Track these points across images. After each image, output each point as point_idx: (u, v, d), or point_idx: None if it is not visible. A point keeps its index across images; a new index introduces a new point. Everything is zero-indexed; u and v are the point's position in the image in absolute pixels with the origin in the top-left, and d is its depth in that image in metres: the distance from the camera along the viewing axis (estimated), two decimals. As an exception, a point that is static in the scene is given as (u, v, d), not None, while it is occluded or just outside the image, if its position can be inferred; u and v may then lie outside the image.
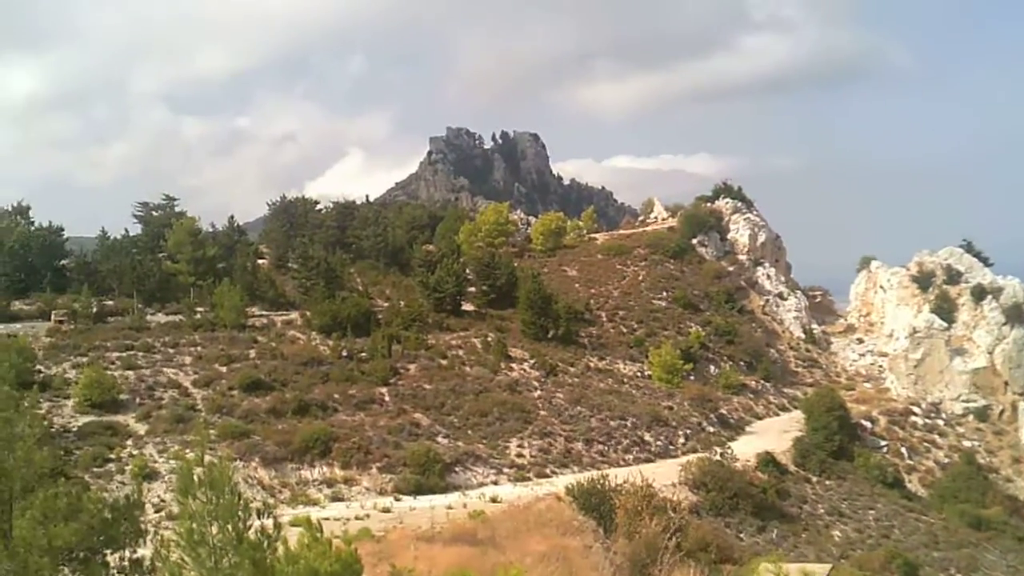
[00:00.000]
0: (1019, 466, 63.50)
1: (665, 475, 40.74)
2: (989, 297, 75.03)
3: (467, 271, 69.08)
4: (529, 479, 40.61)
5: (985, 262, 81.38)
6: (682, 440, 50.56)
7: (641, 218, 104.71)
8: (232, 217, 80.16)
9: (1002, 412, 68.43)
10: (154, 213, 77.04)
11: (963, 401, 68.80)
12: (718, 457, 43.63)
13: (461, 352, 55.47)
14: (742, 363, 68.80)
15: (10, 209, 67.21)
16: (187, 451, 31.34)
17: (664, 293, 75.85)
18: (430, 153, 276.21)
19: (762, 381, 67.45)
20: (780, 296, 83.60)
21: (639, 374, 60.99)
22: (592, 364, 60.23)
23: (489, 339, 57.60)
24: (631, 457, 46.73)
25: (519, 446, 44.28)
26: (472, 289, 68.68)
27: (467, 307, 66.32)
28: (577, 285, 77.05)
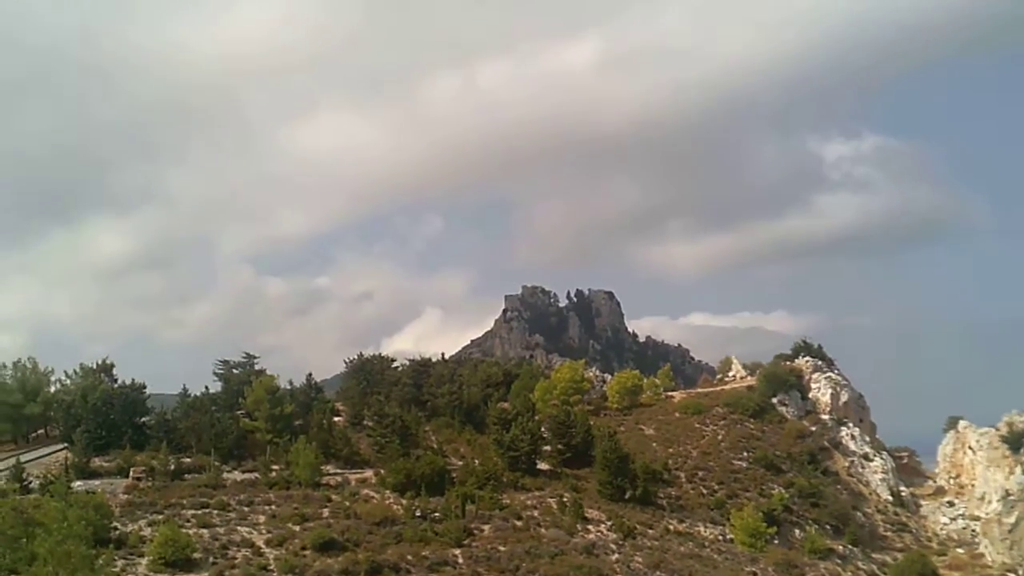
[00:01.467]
0: None
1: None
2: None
3: (542, 429, 68.45)
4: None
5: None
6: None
7: (719, 376, 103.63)
8: (310, 375, 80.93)
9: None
10: (234, 371, 78.15)
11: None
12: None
13: (536, 512, 54.41)
14: (828, 527, 66.42)
15: (95, 367, 68.71)
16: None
17: (744, 453, 74.24)
18: (505, 311, 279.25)
19: (849, 546, 64.92)
20: (865, 457, 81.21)
21: (720, 538, 59.15)
22: (671, 527, 58.56)
23: (565, 499, 56.50)
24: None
25: (598, 613, 42.76)
26: (547, 448, 67.91)
27: (542, 466, 65.47)
28: (654, 444, 75.83)
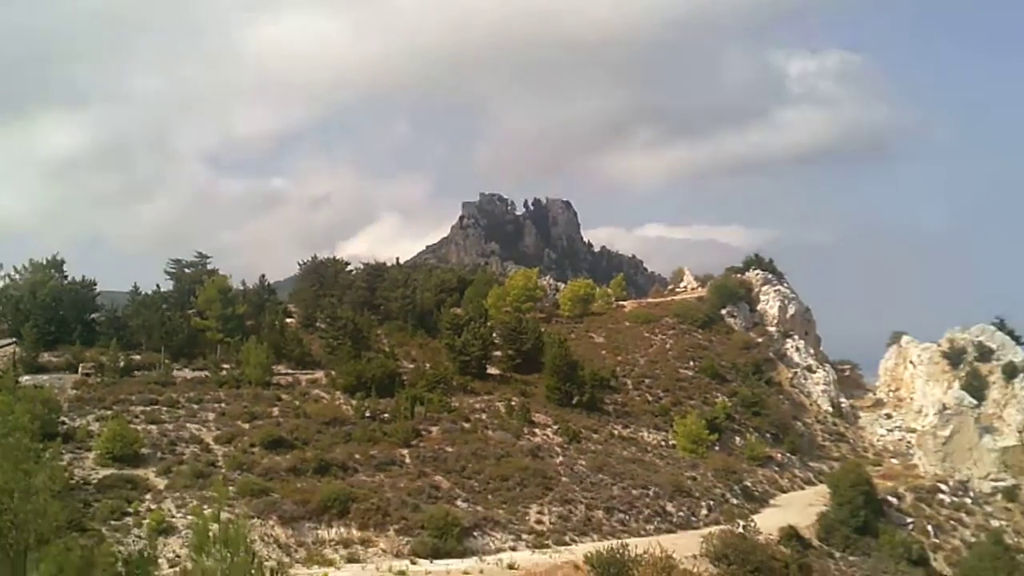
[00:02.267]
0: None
1: (686, 546, 40.31)
2: (1021, 375, 74.30)
3: (494, 335, 69.18)
4: (548, 546, 40.21)
5: (1017, 340, 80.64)
6: (705, 511, 49.97)
7: (671, 287, 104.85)
8: (263, 276, 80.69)
9: (1034, 492, 67.28)
10: (186, 270, 77.90)
11: (992, 480, 67.68)
12: (740, 530, 43.10)
13: (484, 416, 55.40)
14: (768, 435, 68.15)
15: (44, 263, 68.21)
16: (205, 507, 31.28)
17: (691, 363, 75.56)
18: (462, 218, 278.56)
19: (788, 454, 66.76)
20: (808, 369, 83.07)
21: (663, 443, 60.56)
22: (616, 432, 59.87)
23: (513, 403, 57.49)
24: (652, 527, 46.20)
25: (539, 512, 43.92)
26: (498, 353, 68.71)
27: (492, 371, 66.36)
28: (604, 352, 76.94)
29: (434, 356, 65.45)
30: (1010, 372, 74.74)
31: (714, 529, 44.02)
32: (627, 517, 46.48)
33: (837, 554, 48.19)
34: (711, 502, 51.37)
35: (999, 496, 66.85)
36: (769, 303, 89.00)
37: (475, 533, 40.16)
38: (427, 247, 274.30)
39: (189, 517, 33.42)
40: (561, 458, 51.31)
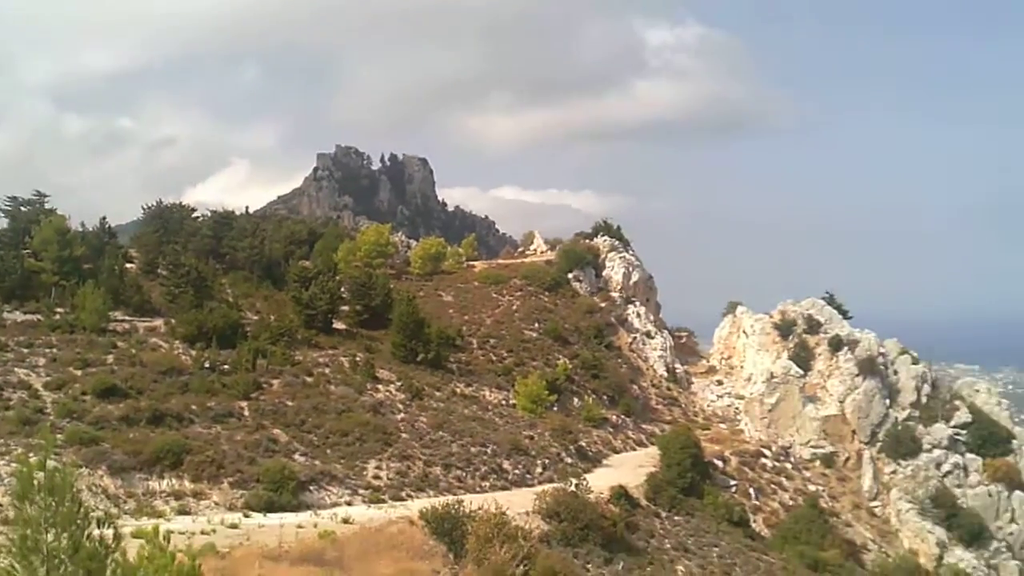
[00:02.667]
0: (859, 512, 66.32)
1: (520, 503, 41.27)
2: (845, 348, 78.30)
3: (342, 290, 68.91)
4: (384, 501, 40.60)
5: (845, 314, 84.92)
6: (540, 469, 51.24)
7: (521, 249, 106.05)
8: (104, 218, 77.92)
9: (847, 459, 71.42)
10: (22, 208, 74.68)
11: (812, 447, 71.56)
12: (573, 488, 44.37)
13: (327, 370, 55.22)
14: (605, 397, 70.15)
15: None
16: (30, 455, 30.51)
17: (536, 324, 76.88)
18: (316, 169, 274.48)
19: (623, 416, 68.84)
20: (647, 335, 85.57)
21: (504, 402, 61.64)
22: (459, 390, 60.60)
23: (358, 359, 57.54)
24: (488, 484, 47.12)
25: (377, 468, 44.25)
26: (346, 308, 68.51)
27: (339, 326, 66.14)
28: (451, 311, 77.57)
29: (280, 309, 64.74)
30: (835, 345, 78.71)
31: (547, 487, 45.18)
32: (464, 474, 47.27)
33: (663, 513, 50.12)
34: (546, 461, 52.71)
35: (818, 462, 70.75)
36: (614, 269, 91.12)
37: (311, 487, 40.20)
38: (279, 197, 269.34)
39: (13, 465, 32.48)
40: (403, 415, 51.73)
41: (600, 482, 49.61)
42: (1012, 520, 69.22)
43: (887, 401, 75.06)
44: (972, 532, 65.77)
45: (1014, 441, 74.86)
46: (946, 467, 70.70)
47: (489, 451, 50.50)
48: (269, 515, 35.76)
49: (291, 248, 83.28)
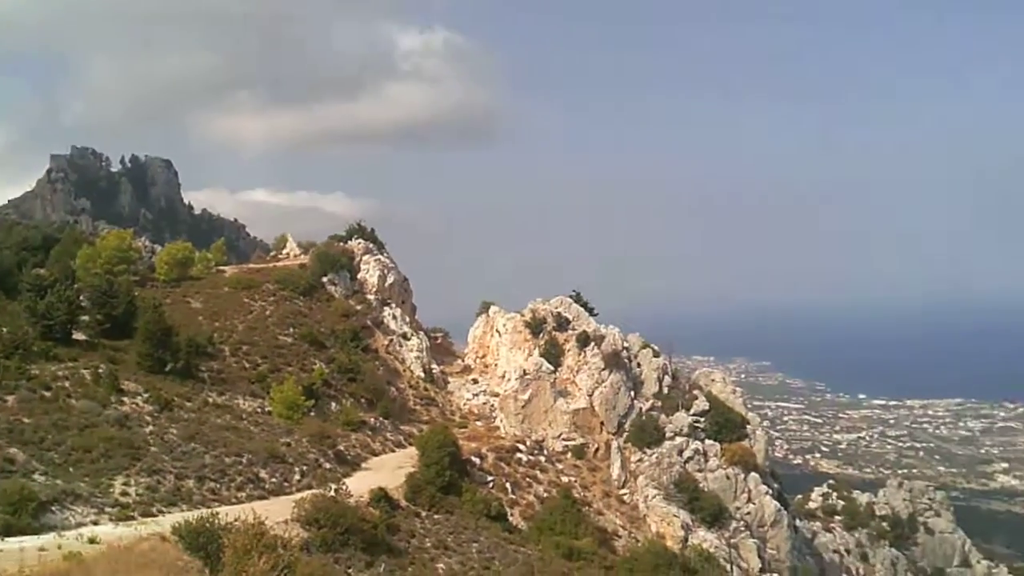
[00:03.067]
0: (609, 500, 69.35)
1: (278, 512, 40.68)
2: (592, 344, 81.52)
3: (82, 298, 65.49)
4: (133, 518, 39.00)
5: (591, 312, 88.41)
6: (298, 477, 50.62)
7: (273, 253, 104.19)
8: None
9: (597, 450, 74.53)
10: None
11: (564, 439, 74.19)
12: (332, 493, 44.19)
13: (68, 384, 52.32)
14: (363, 401, 70.10)
15: None
16: None
17: (291, 329, 75.79)
18: (50, 171, 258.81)
19: (381, 418, 69.02)
20: (404, 336, 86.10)
21: (259, 410, 60.41)
22: (211, 399, 58.84)
23: (100, 371, 54.87)
24: (245, 494, 46.09)
25: (124, 484, 42.34)
26: (86, 318, 65.13)
27: (79, 336, 62.76)
28: (201, 318, 75.18)
29: (12, 320, 60.76)
30: (583, 341, 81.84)
31: (306, 494, 44.76)
32: (219, 485, 46.03)
33: (423, 513, 50.69)
34: (305, 467, 52.11)
35: (569, 454, 73.42)
36: (369, 272, 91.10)
37: (54, 508, 37.99)
38: (8, 201, 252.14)
39: None
40: (151, 427, 49.71)
41: (360, 486, 49.63)
42: (749, 500, 74.35)
43: (632, 393, 78.82)
44: (713, 513, 70.12)
45: (748, 426, 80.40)
46: (687, 453, 75.03)
47: (245, 460, 49.38)
48: (7, 539, 33.65)
49: (24, 255, 78.29)
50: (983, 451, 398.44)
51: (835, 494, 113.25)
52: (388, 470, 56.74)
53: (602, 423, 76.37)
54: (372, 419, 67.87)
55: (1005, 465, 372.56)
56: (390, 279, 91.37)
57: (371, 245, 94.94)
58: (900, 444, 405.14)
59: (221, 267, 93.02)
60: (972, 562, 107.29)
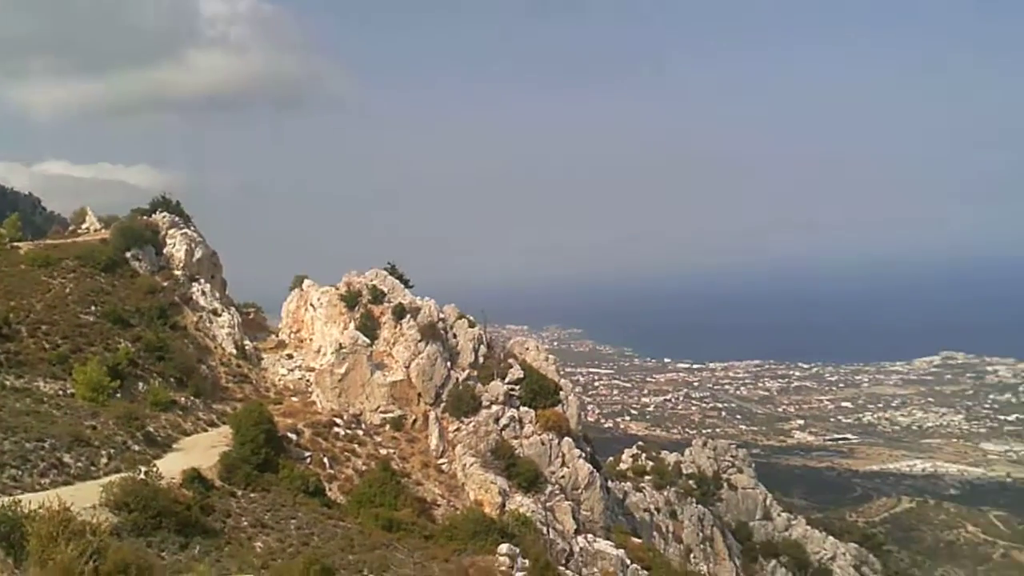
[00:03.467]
0: (428, 470, 69.82)
1: (85, 497, 39.16)
2: (408, 316, 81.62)
3: None
4: (-75, 512, 36.81)
5: (406, 284, 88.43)
6: (105, 460, 48.75)
7: (72, 228, 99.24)
8: None
9: (415, 421, 74.84)
10: None
11: (382, 412, 74.14)
12: (142, 476, 42.84)
13: None
14: (172, 380, 67.99)
15: None
16: None
17: (93, 308, 72.57)
18: None
19: (192, 397, 67.21)
20: (214, 312, 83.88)
21: (61, 393, 57.83)
22: (8, 383, 55.92)
23: None
24: (48, 480, 44.12)
25: (-87, 476, 40.04)
26: None
27: None
28: (-7, 298, 71.13)
29: None
30: (399, 313, 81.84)
31: (115, 478, 43.26)
32: (20, 472, 43.88)
33: (239, 492, 49.78)
34: (112, 450, 50.22)
35: (388, 427, 73.43)
36: (176, 246, 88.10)
37: None
38: None
39: None
40: (-58, 415, 47.01)
41: (172, 467, 48.27)
42: (563, 464, 76.29)
43: (448, 363, 79.41)
44: (529, 479, 71.59)
45: (561, 392, 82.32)
46: (504, 421, 76.29)
47: (47, 446, 47.18)
48: None
49: None
50: (781, 409, 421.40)
51: (644, 455, 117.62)
52: (201, 450, 55.38)
53: (419, 394, 76.69)
54: (183, 398, 66.00)
55: (801, 422, 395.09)
56: (198, 253, 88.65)
57: (177, 218, 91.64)
58: (704, 405, 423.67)
59: (16, 243, 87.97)
60: (773, 515, 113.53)
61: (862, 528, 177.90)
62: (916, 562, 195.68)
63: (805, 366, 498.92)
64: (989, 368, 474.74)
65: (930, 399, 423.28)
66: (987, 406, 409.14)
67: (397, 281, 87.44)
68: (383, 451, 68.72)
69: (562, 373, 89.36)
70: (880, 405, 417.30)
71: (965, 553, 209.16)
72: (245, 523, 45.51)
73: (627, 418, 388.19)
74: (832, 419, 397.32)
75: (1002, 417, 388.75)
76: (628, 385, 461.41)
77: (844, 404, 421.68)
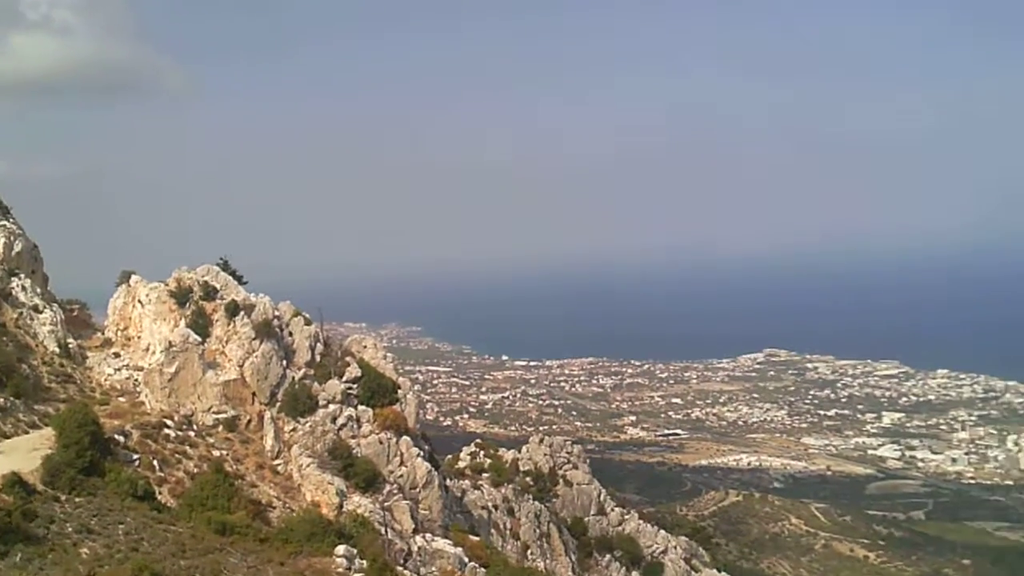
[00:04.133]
0: (263, 472, 68.37)
1: None
2: (242, 313, 79.76)
3: None
4: None
5: (240, 280, 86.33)
6: (-86, 466, 46.07)
7: None
8: None
9: (249, 422, 73.22)
10: None
11: (214, 412, 72.22)
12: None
13: None
14: (-9, 380, 64.57)
15: None
16: None
17: (-101, 304, 68.33)
18: None
19: (12, 398, 63.82)
20: (35, 309, 79.90)
21: None
22: None
23: None
24: None
25: None
26: None
27: None
28: None
29: None
30: (232, 310, 79.86)
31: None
32: None
33: (63, 497, 47.61)
34: (-78, 456, 47.51)
35: (221, 427, 71.57)
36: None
37: None
38: None
39: None
40: None
41: (-11, 472, 45.94)
42: (401, 463, 75.98)
43: (284, 362, 77.99)
44: (367, 478, 70.97)
45: (399, 391, 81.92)
46: (341, 420, 75.40)
47: None
48: None
49: None
50: (614, 406, 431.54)
51: (482, 452, 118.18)
52: (22, 453, 52.78)
53: (254, 394, 75.06)
54: (1, 399, 62.66)
55: (633, 418, 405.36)
56: (17, 247, 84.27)
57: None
58: (541, 402, 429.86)
59: None
60: (607, 510, 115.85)
61: (692, 522, 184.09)
62: (744, 554, 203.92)
63: (637, 363, 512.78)
64: (810, 365, 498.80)
65: (755, 395, 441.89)
66: (808, 402, 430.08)
67: (230, 277, 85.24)
68: (216, 453, 66.92)
69: (401, 371, 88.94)
70: (708, 401, 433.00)
71: (789, 544, 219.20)
72: (70, 529, 43.61)
73: (466, 416, 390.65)
74: (663, 415, 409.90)
75: (822, 412, 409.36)
76: (467, 383, 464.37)
77: (674, 400, 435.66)
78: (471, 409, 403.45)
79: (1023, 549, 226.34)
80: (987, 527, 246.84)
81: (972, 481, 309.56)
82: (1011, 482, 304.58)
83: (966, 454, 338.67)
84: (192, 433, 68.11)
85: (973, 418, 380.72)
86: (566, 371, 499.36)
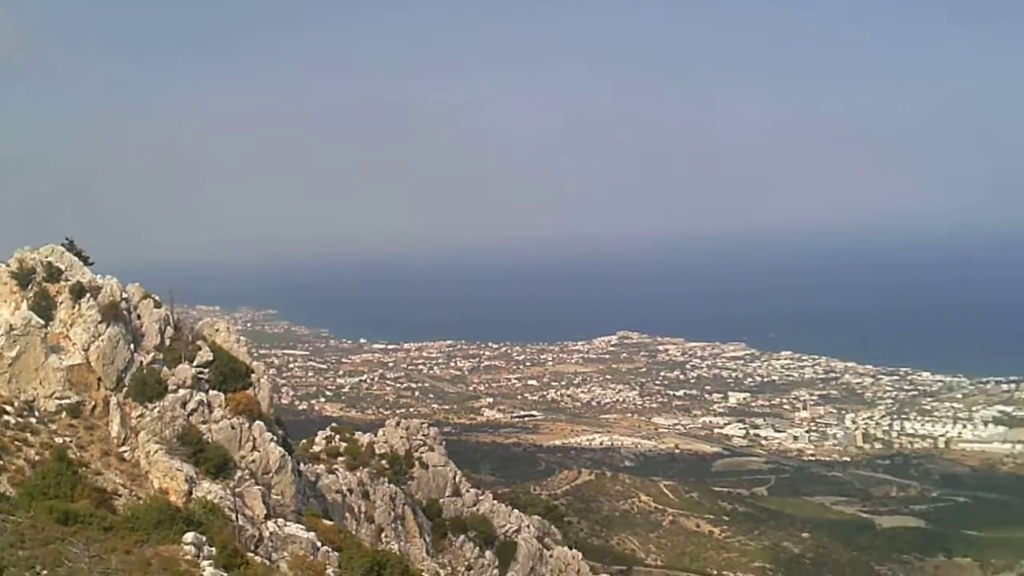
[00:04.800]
0: (108, 459, 66.64)
1: None
2: (88, 295, 77.31)
3: None
4: None
5: (86, 261, 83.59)
6: None
7: None
8: None
9: (95, 408, 71.13)
10: None
11: (57, 398, 69.95)
12: None
13: None
14: None
15: None
16: None
17: None
18: None
19: None
20: None
21: None
22: None
23: None
24: None
25: None
26: None
27: None
28: None
29: None
30: (78, 292, 77.30)
31: None
32: None
33: None
34: None
35: (64, 414, 69.33)
36: None
37: None
38: None
39: None
40: None
41: None
42: (254, 449, 75.07)
43: (132, 346, 75.98)
44: (218, 464, 69.90)
45: (253, 375, 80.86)
46: (191, 405, 73.98)
47: None
48: None
49: None
50: (471, 388, 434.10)
51: (338, 436, 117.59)
52: None
53: (100, 379, 72.91)
54: None
55: (490, 400, 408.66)
56: None
57: None
58: (399, 385, 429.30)
59: None
60: (462, 491, 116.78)
61: (545, 501, 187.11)
62: (594, 531, 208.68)
63: (495, 346, 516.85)
64: (660, 347, 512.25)
65: (608, 376, 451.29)
66: (658, 382, 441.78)
67: (76, 258, 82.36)
68: (58, 440, 64.89)
69: (255, 355, 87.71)
70: (563, 383, 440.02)
71: (638, 521, 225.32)
72: None
73: (322, 400, 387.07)
74: (519, 396, 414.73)
75: (671, 392, 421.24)
76: (324, 366, 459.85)
77: (531, 382, 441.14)
78: (328, 392, 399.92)
79: (858, 522, 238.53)
80: (825, 501, 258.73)
81: (812, 458, 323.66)
82: (848, 459, 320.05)
83: (807, 432, 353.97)
84: (34, 420, 65.89)
85: (814, 398, 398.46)
86: (424, 354, 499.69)
